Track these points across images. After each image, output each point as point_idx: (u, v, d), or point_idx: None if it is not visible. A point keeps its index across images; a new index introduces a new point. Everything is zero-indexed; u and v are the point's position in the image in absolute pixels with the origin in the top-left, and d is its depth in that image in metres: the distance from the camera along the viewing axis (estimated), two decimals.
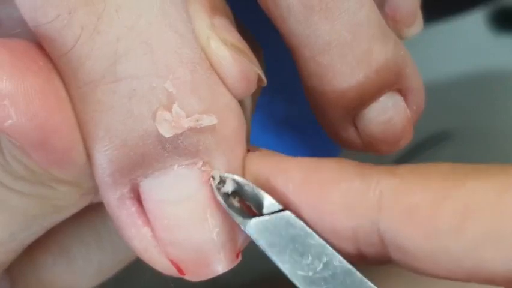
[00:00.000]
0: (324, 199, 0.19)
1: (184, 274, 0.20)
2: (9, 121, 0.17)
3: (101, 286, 0.26)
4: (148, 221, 0.20)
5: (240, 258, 0.21)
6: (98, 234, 0.25)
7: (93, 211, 0.24)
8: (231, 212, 0.20)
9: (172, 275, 0.21)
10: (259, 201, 0.20)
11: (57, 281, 0.25)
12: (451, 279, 0.18)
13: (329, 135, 0.25)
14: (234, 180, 0.20)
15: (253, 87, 0.21)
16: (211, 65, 0.20)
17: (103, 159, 0.19)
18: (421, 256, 0.17)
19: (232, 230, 0.21)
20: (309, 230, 0.19)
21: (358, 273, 0.19)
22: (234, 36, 0.21)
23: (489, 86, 0.54)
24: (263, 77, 0.22)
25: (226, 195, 0.20)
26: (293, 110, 0.47)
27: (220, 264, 0.20)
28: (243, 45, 0.21)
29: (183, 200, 0.20)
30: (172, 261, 0.20)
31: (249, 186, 0.20)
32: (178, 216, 0.20)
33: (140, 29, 0.19)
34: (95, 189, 0.20)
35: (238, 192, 0.20)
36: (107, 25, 0.18)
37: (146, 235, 0.20)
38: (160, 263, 0.20)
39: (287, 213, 0.19)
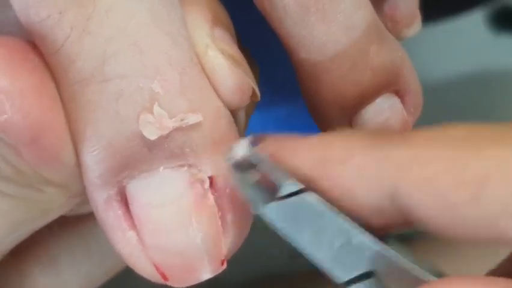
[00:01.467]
0: (341, 179, 0.18)
1: (167, 280, 0.20)
2: (4, 116, 0.17)
3: (100, 286, 0.26)
4: (134, 225, 0.20)
5: (225, 266, 0.21)
6: (87, 245, 0.25)
7: (82, 222, 0.24)
8: (244, 193, 0.19)
9: (157, 282, 0.21)
10: (276, 180, 0.19)
11: None
12: (475, 244, 0.17)
13: None
14: (251, 156, 0.19)
15: (246, 100, 0.21)
16: (206, 73, 0.20)
17: (90, 159, 0.19)
18: (442, 227, 0.17)
19: (218, 236, 0.20)
20: (328, 208, 0.18)
21: (383, 247, 0.18)
22: (233, 49, 0.21)
23: (489, 86, 0.54)
24: (257, 91, 0.22)
25: (240, 171, 0.19)
26: (293, 110, 0.47)
27: (204, 271, 0.20)
28: (240, 58, 0.21)
29: (168, 203, 0.20)
30: (156, 267, 0.20)
31: (265, 163, 0.19)
32: (162, 220, 0.20)
33: (130, 30, 0.19)
34: (82, 191, 0.20)
35: (258, 168, 0.19)
36: (96, 26, 0.18)
37: (132, 239, 0.20)
38: (145, 268, 0.20)
39: (305, 194, 0.18)
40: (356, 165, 0.18)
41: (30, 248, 0.23)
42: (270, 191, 0.19)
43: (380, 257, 0.18)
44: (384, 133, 0.19)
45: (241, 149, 0.19)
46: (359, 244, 0.18)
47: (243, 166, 0.19)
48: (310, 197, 0.18)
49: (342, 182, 0.18)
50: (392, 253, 0.18)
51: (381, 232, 0.19)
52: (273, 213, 0.19)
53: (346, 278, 0.18)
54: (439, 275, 0.18)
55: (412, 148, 0.17)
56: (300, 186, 0.19)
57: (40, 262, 0.24)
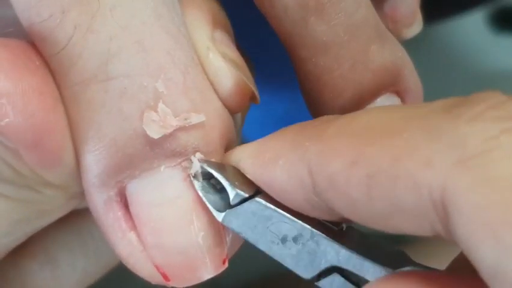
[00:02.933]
0: (271, 180, 0.19)
1: (168, 280, 0.20)
2: (6, 120, 0.17)
3: (100, 285, 0.26)
4: (134, 226, 0.20)
5: (226, 265, 0.21)
6: (84, 241, 0.25)
7: (79, 218, 0.24)
8: (207, 203, 0.20)
9: (157, 282, 0.20)
10: (227, 190, 0.20)
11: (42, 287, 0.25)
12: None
13: None
14: (206, 170, 0.20)
15: (246, 103, 0.21)
16: (208, 76, 0.20)
17: (92, 159, 0.19)
18: (358, 221, 0.17)
19: (219, 234, 0.20)
20: (278, 211, 0.19)
21: (335, 244, 0.19)
22: (233, 52, 0.21)
23: (489, 86, 0.54)
24: (257, 94, 0.22)
25: (205, 184, 0.20)
26: (292, 109, 0.47)
27: (206, 270, 0.20)
28: (241, 61, 0.21)
29: (169, 202, 0.20)
30: (157, 267, 0.20)
31: (216, 177, 0.20)
32: (163, 219, 0.20)
33: (134, 28, 0.19)
34: (80, 193, 0.20)
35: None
36: (100, 24, 0.18)
37: (132, 240, 0.20)
38: (145, 269, 0.20)
39: (254, 200, 0.19)
40: (282, 166, 0.18)
41: (27, 244, 0.23)
42: (227, 199, 0.20)
43: (337, 253, 0.19)
44: (309, 125, 0.19)
45: (194, 163, 0.20)
46: (315, 241, 0.19)
47: (205, 175, 0.20)
48: (257, 203, 0.19)
49: (275, 184, 0.19)
50: (344, 248, 0.19)
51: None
52: (229, 220, 0.19)
53: (312, 275, 0.19)
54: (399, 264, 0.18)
55: (323, 143, 0.18)
56: (248, 193, 0.19)
57: (38, 259, 0.24)
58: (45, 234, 0.23)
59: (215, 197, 0.20)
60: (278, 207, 0.19)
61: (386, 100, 0.23)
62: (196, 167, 0.20)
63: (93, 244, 0.25)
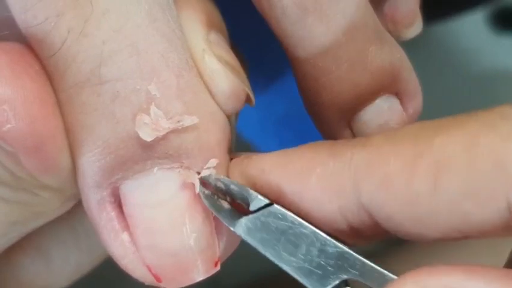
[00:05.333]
0: (304, 188, 0.19)
1: (160, 281, 0.20)
2: (8, 126, 0.18)
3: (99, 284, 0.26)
4: (127, 227, 0.20)
5: (218, 267, 0.21)
6: (76, 234, 0.25)
7: (71, 211, 0.24)
8: (217, 214, 0.20)
9: (149, 283, 0.21)
10: (246, 199, 0.20)
11: (35, 281, 0.25)
12: (445, 240, 0.17)
13: (325, 138, 0.25)
14: (219, 180, 0.20)
15: (241, 106, 0.21)
16: (203, 78, 0.20)
17: (86, 161, 0.19)
18: (407, 223, 0.17)
19: (212, 237, 0.20)
20: (298, 219, 0.19)
21: (355, 254, 0.18)
22: (228, 54, 0.21)
23: (489, 86, 0.54)
24: (252, 97, 0.22)
25: (212, 197, 0.20)
26: (293, 110, 0.47)
27: (197, 272, 0.20)
28: (236, 63, 0.21)
29: (162, 204, 0.20)
30: (149, 268, 0.20)
31: (234, 185, 0.20)
32: (156, 220, 0.20)
33: (127, 32, 0.19)
34: (76, 195, 0.20)
35: (227, 192, 0.20)
36: (94, 28, 0.18)
37: (125, 241, 0.20)
38: (138, 269, 0.20)
39: (274, 207, 0.19)
40: (319, 174, 0.18)
41: (20, 240, 0.23)
42: (243, 211, 0.20)
43: (356, 265, 0.18)
44: (346, 140, 0.19)
45: (209, 177, 0.20)
46: (334, 252, 0.19)
47: (216, 191, 0.20)
48: (279, 209, 0.19)
49: (306, 192, 0.19)
50: (365, 260, 0.18)
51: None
52: (245, 228, 0.19)
53: None
54: None
55: (371, 150, 0.18)
56: (266, 201, 0.19)
57: (30, 253, 0.25)
58: (38, 228, 0.23)
59: (223, 213, 0.20)
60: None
61: (384, 101, 0.23)
62: (210, 179, 0.20)
63: (85, 237, 0.25)
